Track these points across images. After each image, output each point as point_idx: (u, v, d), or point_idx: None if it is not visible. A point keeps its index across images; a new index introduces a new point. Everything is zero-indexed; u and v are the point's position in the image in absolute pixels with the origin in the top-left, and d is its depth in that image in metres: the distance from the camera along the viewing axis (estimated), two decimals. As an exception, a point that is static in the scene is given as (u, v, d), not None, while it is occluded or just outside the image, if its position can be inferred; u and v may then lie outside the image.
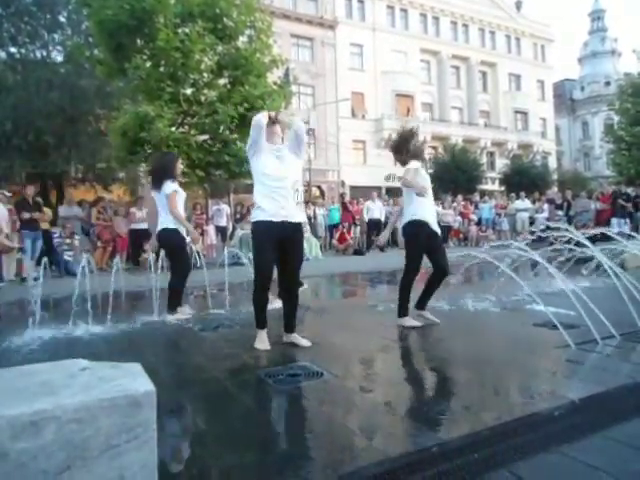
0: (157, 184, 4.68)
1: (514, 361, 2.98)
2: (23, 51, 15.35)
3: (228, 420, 2.21)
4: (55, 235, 9.75)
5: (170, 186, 4.61)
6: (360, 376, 2.85)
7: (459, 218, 15.28)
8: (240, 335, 4.03)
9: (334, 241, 13.51)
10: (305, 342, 3.48)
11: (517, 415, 2.10)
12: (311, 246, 11.97)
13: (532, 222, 13.98)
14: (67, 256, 9.53)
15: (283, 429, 2.17)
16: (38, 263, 5.22)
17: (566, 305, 3.61)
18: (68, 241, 9.75)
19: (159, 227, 4.66)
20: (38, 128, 13.23)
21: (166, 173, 4.69)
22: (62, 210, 10.80)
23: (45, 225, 9.62)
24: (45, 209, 10.08)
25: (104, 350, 3.51)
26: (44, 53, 15.58)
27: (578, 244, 5.21)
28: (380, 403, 2.34)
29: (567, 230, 5.47)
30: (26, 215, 8.82)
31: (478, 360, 3.04)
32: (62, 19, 15.34)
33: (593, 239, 5.55)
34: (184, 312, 4.67)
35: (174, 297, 4.58)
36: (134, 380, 1.68)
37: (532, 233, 6.40)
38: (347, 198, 15.93)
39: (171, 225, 4.57)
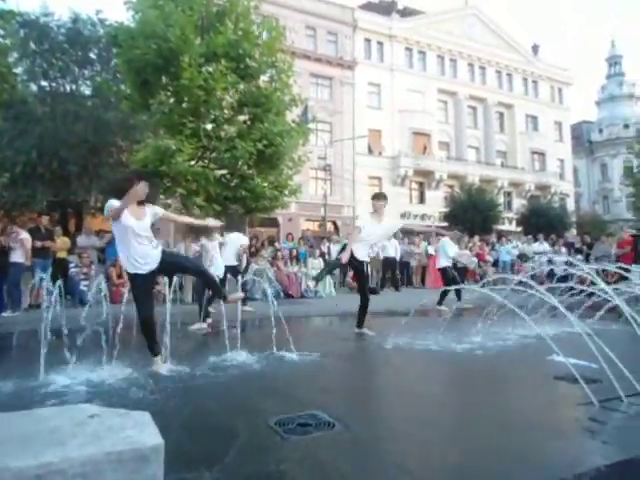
0: None
1: (535, 419, 2.85)
2: (54, 85, 15.96)
3: (235, 473, 2.13)
4: (72, 265, 9.84)
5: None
6: (373, 428, 2.75)
7: (475, 259, 15.11)
8: (251, 376, 3.96)
9: (348, 279, 13.42)
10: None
11: (539, 482, 1.99)
12: (325, 284, 11.90)
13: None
14: (82, 286, 9.58)
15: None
16: (48, 292, 5.22)
17: (585, 354, 3.49)
18: (85, 271, 9.83)
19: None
20: (62, 158, 13.60)
21: None
22: (80, 240, 10.93)
23: (62, 254, 9.74)
24: (62, 238, 10.21)
25: (111, 393, 3.47)
26: (73, 87, 16.17)
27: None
28: (391, 461, 2.24)
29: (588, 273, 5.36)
30: (38, 243, 8.92)
31: (499, 415, 2.92)
32: (92, 56, 15.97)
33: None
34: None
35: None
36: (142, 431, 1.64)
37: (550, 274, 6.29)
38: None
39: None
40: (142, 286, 3.92)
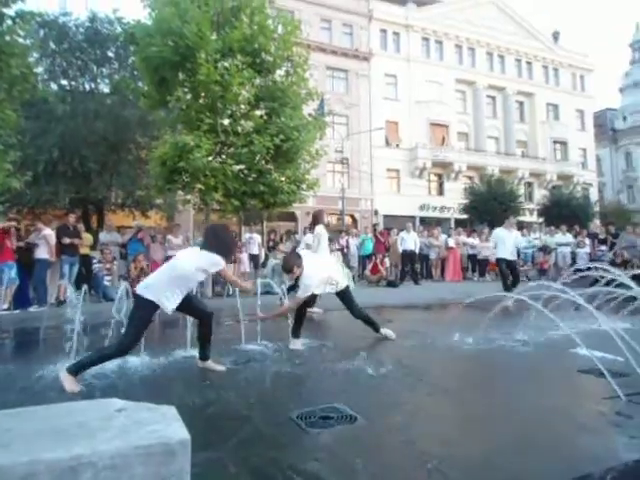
0: None
1: (559, 413, 2.81)
2: (73, 83, 16.22)
3: (258, 465, 2.15)
4: (94, 260, 10.01)
5: None
6: (394, 422, 2.73)
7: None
8: (272, 370, 3.98)
9: (367, 272, 13.40)
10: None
11: (565, 478, 1.96)
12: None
13: (573, 257, 13.51)
14: (106, 281, 9.75)
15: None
16: (77, 287, 5.38)
17: (612, 349, 3.43)
18: (108, 266, 9.99)
19: None
20: (83, 155, 13.84)
21: None
22: (102, 236, 11.11)
23: (85, 250, 9.91)
24: (85, 234, 10.39)
25: (135, 384, 3.53)
26: (92, 85, 16.42)
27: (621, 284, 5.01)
28: (413, 456, 2.23)
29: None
30: (66, 240, 9.13)
31: (522, 411, 2.88)
32: (110, 54, 16.17)
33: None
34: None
35: None
36: (169, 426, 1.66)
37: (576, 272, 6.16)
38: (379, 228, 15.83)
39: None
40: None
